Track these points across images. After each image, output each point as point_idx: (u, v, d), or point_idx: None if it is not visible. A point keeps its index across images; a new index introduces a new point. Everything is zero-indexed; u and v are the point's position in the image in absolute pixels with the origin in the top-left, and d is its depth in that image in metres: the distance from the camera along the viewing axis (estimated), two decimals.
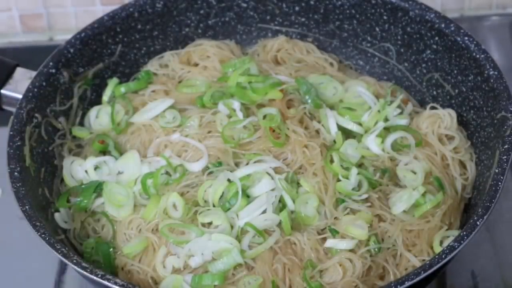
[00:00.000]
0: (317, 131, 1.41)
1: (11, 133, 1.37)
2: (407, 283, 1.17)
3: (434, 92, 1.50)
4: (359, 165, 1.38)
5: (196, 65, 1.55)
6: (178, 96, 1.48)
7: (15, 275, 1.50)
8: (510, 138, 1.30)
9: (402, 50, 1.53)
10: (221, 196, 1.33)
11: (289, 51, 1.56)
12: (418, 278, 1.18)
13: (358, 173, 1.35)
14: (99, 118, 1.48)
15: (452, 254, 1.19)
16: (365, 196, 1.34)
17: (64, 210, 1.39)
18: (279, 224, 1.31)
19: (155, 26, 1.55)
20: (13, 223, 1.49)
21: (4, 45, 1.85)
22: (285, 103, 1.43)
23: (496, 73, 1.37)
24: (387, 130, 1.41)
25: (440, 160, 1.39)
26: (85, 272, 1.21)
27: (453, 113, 1.43)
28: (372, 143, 1.39)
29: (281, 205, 1.33)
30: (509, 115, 1.32)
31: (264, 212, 1.31)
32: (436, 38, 1.46)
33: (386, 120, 1.42)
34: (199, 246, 1.28)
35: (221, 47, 1.56)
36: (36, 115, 1.41)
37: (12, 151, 1.35)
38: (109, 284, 1.19)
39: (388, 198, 1.35)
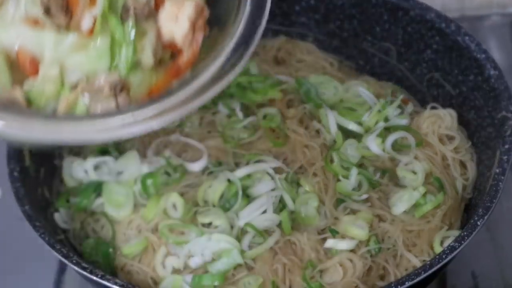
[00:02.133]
0: (317, 131, 1.41)
1: None
2: (408, 283, 1.17)
3: (435, 92, 1.50)
4: (359, 165, 1.38)
5: None
6: None
7: (14, 275, 1.50)
8: (510, 138, 1.30)
9: (402, 49, 1.53)
10: (221, 196, 1.33)
11: (289, 51, 1.56)
12: (418, 279, 1.17)
13: (358, 173, 1.35)
14: None
15: (453, 255, 1.19)
16: (365, 196, 1.33)
17: (64, 210, 1.39)
18: (279, 224, 1.31)
19: None
20: (13, 223, 1.49)
21: None
22: (285, 103, 1.43)
23: (496, 73, 1.37)
24: (388, 130, 1.41)
25: (441, 160, 1.39)
26: (85, 273, 1.20)
27: (453, 113, 1.42)
28: (372, 143, 1.38)
29: (281, 205, 1.33)
30: (510, 115, 1.32)
31: (264, 212, 1.31)
32: (437, 38, 1.46)
33: (386, 120, 1.42)
34: (199, 247, 1.28)
35: None
36: None
37: (11, 151, 1.34)
38: (109, 284, 1.19)
39: (388, 198, 1.35)
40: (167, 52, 1.13)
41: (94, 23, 1.07)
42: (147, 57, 1.09)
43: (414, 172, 1.36)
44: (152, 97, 1.09)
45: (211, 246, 1.28)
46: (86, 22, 1.07)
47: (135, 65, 1.09)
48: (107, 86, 1.07)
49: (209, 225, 1.32)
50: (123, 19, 1.07)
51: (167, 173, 1.38)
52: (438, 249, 1.29)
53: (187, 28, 1.09)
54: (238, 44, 1.10)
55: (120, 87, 1.07)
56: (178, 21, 1.09)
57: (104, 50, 1.07)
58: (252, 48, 1.11)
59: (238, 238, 1.29)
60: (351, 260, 1.27)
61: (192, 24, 1.09)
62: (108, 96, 1.07)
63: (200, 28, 1.10)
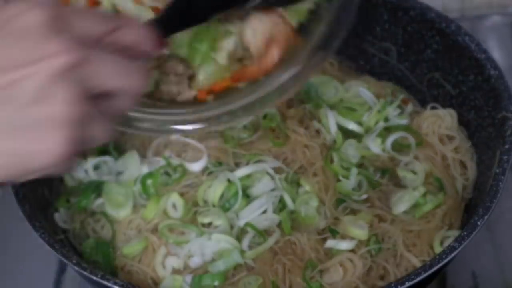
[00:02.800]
0: (317, 131, 1.41)
1: None
2: (408, 284, 1.17)
3: (435, 92, 1.50)
4: (359, 165, 1.38)
5: None
6: None
7: (14, 275, 1.50)
8: (511, 138, 1.30)
9: (402, 49, 1.53)
10: (221, 196, 1.33)
11: None
12: (418, 279, 1.17)
13: (358, 173, 1.35)
14: None
15: (453, 254, 1.19)
16: (365, 196, 1.33)
17: (64, 210, 1.39)
18: (279, 224, 1.31)
19: None
20: (13, 223, 1.49)
21: None
22: (285, 103, 1.43)
23: (497, 72, 1.36)
24: (388, 130, 1.41)
25: (441, 160, 1.39)
26: (84, 272, 1.20)
27: (453, 113, 1.42)
28: (372, 143, 1.38)
29: (281, 205, 1.33)
30: (510, 115, 1.32)
31: (264, 212, 1.31)
32: (437, 38, 1.46)
33: (386, 120, 1.42)
34: (199, 247, 1.28)
35: None
36: None
37: None
38: (109, 284, 1.19)
39: (389, 198, 1.35)
40: (248, 53, 1.12)
41: None
42: (221, 58, 1.09)
43: (414, 172, 1.36)
44: (212, 92, 1.11)
45: (211, 246, 1.28)
46: None
47: (208, 60, 1.10)
48: (173, 72, 1.10)
49: (209, 225, 1.32)
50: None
51: (167, 173, 1.38)
52: (438, 249, 1.29)
53: (259, 41, 1.08)
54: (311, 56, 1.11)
55: (185, 77, 1.11)
56: (255, 32, 1.08)
57: (184, 41, 1.08)
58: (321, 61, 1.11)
59: (238, 238, 1.29)
60: (351, 260, 1.27)
61: (266, 41, 1.08)
62: (172, 81, 1.10)
63: (277, 46, 1.08)
